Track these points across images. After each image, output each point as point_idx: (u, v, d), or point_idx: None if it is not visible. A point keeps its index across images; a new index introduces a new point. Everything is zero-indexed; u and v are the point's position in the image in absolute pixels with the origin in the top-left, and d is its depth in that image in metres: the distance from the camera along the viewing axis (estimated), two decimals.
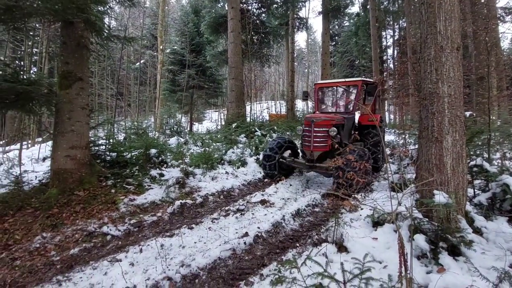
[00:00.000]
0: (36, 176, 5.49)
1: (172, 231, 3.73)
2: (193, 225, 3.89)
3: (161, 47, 17.71)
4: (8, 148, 9.76)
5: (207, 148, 7.93)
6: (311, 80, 40.46)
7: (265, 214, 4.30)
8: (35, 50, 11.05)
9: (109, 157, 5.74)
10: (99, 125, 6.28)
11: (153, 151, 6.28)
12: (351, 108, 6.69)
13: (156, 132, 10.90)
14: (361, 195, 5.11)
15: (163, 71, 17.08)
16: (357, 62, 24.74)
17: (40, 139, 11.47)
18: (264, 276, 2.58)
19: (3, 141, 11.16)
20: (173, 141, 8.99)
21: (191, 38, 15.88)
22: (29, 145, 10.96)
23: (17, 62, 13.12)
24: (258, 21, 14.94)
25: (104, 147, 5.87)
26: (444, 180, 3.17)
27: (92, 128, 5.86)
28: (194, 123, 17.96)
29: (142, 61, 20.29)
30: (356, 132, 5.54)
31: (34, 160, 7.77)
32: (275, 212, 4.38)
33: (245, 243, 3.36)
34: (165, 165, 6.35)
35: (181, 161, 6.46)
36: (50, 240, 3.63)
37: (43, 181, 5.02)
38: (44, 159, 8.07)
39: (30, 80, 4.34)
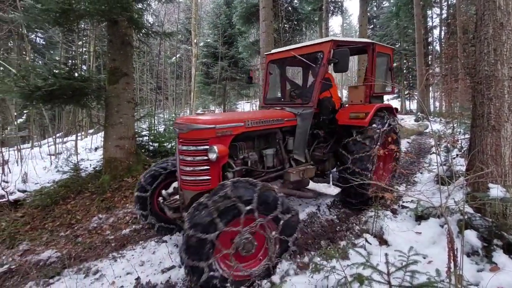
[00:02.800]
0: (90, 164, 6.12)
1: None
2: None
3: (195, 40, 18.18)
4: (65, 139, 10.96)
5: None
6: None
7: (300, 204, 4.31)
8: (84, 49, 12.05)
9: (152, 147, 6.17)
10: (142, 117, 6.73)
11: None
12: (312, 96, 3.52)
13: None
14: (405, 186, 4.85)
15: (197, 64, 17.60)
16: (397, 46, 22.98)
17: (91, 130, 12.67)
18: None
19: (61, 133, 12.56)
20: None
21: (223, 30, 16.04)
22: (83, 137, 12.17)
23: (69, 61, 14.41)
24: (290, 8, 14.54)
25: (147, 138, 6.30)
26: (501, 172, 2.88)
27: (136, 121, 6.32)
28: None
29: (177, 55, 21.08)
30: (320, 143, 3.91)
31: (87, 150, 8.63)
32: (310, 203, 4.36)
33: None
34: None
35: None
36: (105, 221, 4.06)
37: (97, 168, 5.57)
38: (96, 149, 8.92)
39: (83, 77, 4.80)
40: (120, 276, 2.70)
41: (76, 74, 5.26)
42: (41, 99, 4.25)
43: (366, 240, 2.89)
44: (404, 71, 23.16)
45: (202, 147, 2.52)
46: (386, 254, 1.65)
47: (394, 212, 3.59)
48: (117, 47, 5.18)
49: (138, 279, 2.61)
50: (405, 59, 23.00)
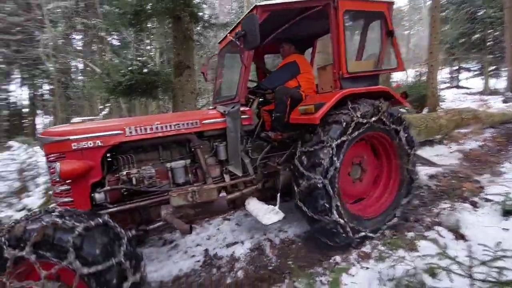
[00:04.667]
0: None
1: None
2: None
3: None
4: None
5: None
6: (413, 43, 34.20)
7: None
8: (151, 46, 13.33)
9: None
10: (202, 107, 7.22)
11: None
12: (237, 88, 2.79)
13: None
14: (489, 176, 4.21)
15: None
16: (480, 14, 19.31)
17: None
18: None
19: None
20: None
21: None
22: None
23: (139, 58, 16.07)
24: None
25: None
26: None
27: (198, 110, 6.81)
28: None
29: None
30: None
31: None
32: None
33: None
34: None
35: None
36: None
37: None
38: None
39: (154, 71, 5.37)
40: (191, 247, 3.05)
41: (146, 70, 5.90)
42: (122, 92, 4.93)
43: (439, 233, 2.65)
44: (489, 42, 19.45)
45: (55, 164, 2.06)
46: (469, 245, 1.51)
47: (474, 205, 3.18)
48: (180, 42, 5.61)
49: (206, 250, 2.91)
50: (491, 28, 19.23)
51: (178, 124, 2.52)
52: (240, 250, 2.85)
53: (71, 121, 2.59)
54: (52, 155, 2.15)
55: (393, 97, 2.93)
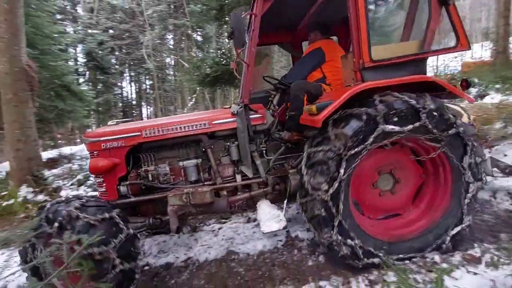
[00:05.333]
0: None
1: None
2: None
3: None
4: None
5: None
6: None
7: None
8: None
9: None
10: None
11: None
12: (243, 88, 2.72)
13: None
14: None
15: None
16: None
17: None
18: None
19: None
20: None
21: None
22: None
23: (218, 51, 17.28)
24: None
25: None
26: None
27: None
28: None
29: None
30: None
31: None
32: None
33: None
34: None
35: None
36: None
37: None
38: None
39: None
40: None
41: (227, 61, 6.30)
42: (209, 83, 5.44)
43: None
44: None
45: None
46: None
47: None
48: None
49: (288, 231, 3.03)
50: None
51: (188, 126, 2.61)
52: None
53: (108, 123, 2.92)
54: (91, 153, 2.60)
55: (444, 89, 2.13)
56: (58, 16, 15.51)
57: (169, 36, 19.37)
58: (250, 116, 2.61)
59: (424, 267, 2.05)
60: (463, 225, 2.18)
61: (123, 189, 2.59)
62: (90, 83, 16.56)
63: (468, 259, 2.04)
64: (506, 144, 4.24)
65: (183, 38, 17.24)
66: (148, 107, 24.31)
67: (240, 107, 2.54)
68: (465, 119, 3.50)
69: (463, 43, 2.24)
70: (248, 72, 2.59)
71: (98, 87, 17.03)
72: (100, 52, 15.70)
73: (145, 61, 15.55)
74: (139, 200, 2.59)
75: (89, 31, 16.04)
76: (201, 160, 2.70)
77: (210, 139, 2.69)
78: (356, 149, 1.97)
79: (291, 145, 2.74)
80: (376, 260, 2.07)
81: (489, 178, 3.08)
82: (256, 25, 2.45)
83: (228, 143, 2.70)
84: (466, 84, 2.41)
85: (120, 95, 22.84)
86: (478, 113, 3.84)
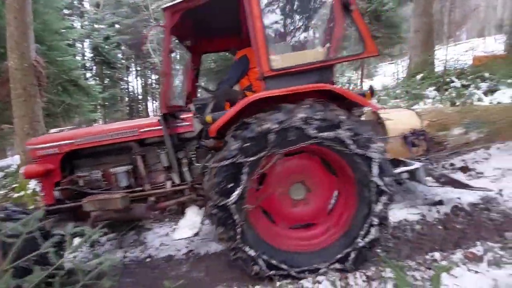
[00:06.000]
0: None
1: None
2: None
3: None
4: None
5: (383, 106, 7.21)
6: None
7: None
8: None
9: None
10: None
11: None
12: (160, 97, 2.77)
13: None
14: None
15: None
16: None
17: None
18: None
19: None
20: None
21: None
22: None
23: None
24: None
25: None
26: None
27: None
28: (364, 80, 16.55)
29: None
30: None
31: None
32: (485, 185, 3.42)
33: (438, 212, 2.94)
34: None
35: None
36: None
37: None
38: None
39: None
40: None
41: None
42: (213, 78, 5.40)
43: None
44: None
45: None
46: None
47: None
48: None
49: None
50: None
51: (118, 133, 2.68)
52: None
53: (49, 131, 2.97)
54: (32, 159, 2.74)
55: (344, 98, 2.06)
56: (66, 11, 15.59)
57: None
58: (178, 124, 2.66)
59: (424, 264, 2.03)
60: (365, 241, 2.07)
61: (56, 194, 2.69)
62: (97, 78, 16.72)
63: (469, 257, 2.01)
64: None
65: None
66: (154, 101, 24.46)
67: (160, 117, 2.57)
68: (416, 124, 3.38)
69: (370, 49, 2.17)
70: (165, 81, 2.61)
71: (105, 82, 17.16)
72: (106, 47, 15.77)
73: (150, 55, 15.58)
74: (75, 205, 2.63)
75: (96, 26, 16.11)
76: (132, 166, 2.73)
77: (142, 146, 2.75)
78: (251, 158, 1.97)
79: (216, 152, 2.69)
80: (280, 272, 2.07)
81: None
82: (166, 37, 2.49)
83: (159, 150, 2.72)
84: (372, 93, 2.39)
85: (127, 90, 23.02)
86: (434, 118, 3.53)
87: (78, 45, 16.16)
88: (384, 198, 2.02)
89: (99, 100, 11.09)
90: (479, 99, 6.52)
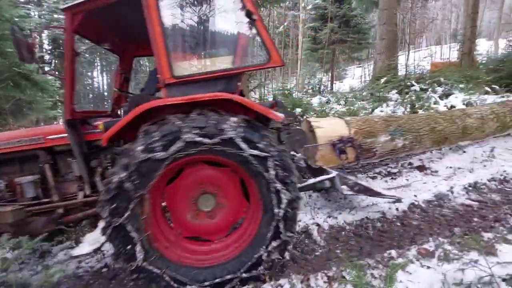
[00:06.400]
0: None
1: None
2: None
3: (302, 4, 17.34)
4: None
5: (350, 107, 7.49)
6: (508, 5, 27.71)
7: (425, 183, 3.69)
8: None
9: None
10: (254, 88, 7.24)
11: (297, 110, 6.63)
12: (64, 103, 2.61)
13: (299, 92, 11.35)
14: None
15: (305, 30, 16.93)
16: None
17: None
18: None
19: None
20: (315, 100, 9.09)
21: None
22: None
23: None
24: None
25: None
26: None
27: (249, 92, 6.85)
28: (334, 82, 17.17)
29: (285, 24, 20.90)
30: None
31: None
32: (438, 182, 3.66)
33: (397, 209, 3.08)
34: None
35: None
36: None
37: None
38: None
39: None
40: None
41: None
42: None
43: None
44: None
45: None
46: None
47: None
48: None
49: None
50: None
51: (21, 141, 2.47)
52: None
53: None
54: None
55: (249, 109, 1.99)
56: None
57: None
58: (90, 131, 2.48)
59: (382, 262, 2.09)
60: (273, 246, 2.01)
61: None
62: (56, 72, 15.45)
63: (422, 253, 2.11)
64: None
65: None
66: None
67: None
68: (344, 131, 3.55)
69: (274, 59, 2.15)
70: (67, 86, 2.40)
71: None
72: None
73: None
74: None
75: (55, 16, 14.88)
76: (38, 176, 2.51)
77: (50, 154, 2.53)
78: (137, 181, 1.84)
79: None
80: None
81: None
82: (67, 40, 2.30)
83: (70, 159, 2.51)
84: (276, 103, 2.48)
85: (90, 86, 21.61)
86: (362, 126, 3.67)
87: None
88: (285, 200, 1.96)
89: (57, 96, 10.21)
90: (435, 102, 7.03)
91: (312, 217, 3.04)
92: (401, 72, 10.00)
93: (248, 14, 2.05)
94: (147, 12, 1.99)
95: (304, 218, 3.03)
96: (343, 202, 3.37)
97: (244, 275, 1.99)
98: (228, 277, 1.98)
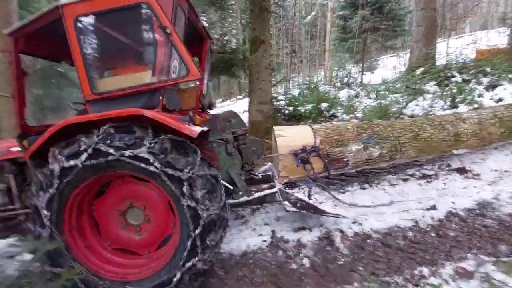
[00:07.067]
0: None
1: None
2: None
3: None
4: (221, 104, 13.49)
5: (382, 101, 7.01)
6: None
7: (465, 188, 3.33)
8: (234, 24, 13.65)
9: (287, 111, 6.46)
10: (278, 82, 7.08)
11: (324, 105, 6.36)
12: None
13: (327, 86, 10.92)
14: None
15: (333, 19, 16.17)
16: None
17: (241, 96, 14.91)
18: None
19: (221, 99, 15.54)
20: (343, 94, 8.67)
21: None
22: (234, 102, 14.56)
23: (223, 37, 16.91)
24: None
25: (283, 102, 6.62)
26: None
27: (273, 86, 6.70)
28: (365, 73, 16.22)
29: (313, 13, 20.12)
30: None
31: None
32: (481, 187, 3.29)
33: (432, 218, 2.81)
34: (335, 119, 6.32)
35: (352, 115, 6.15)
36: None
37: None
38: (244, 112, 10.45)
39: (232, 49, 5.45)
40: (260, 225, 3.10)
41: (226, 49, 6.05)
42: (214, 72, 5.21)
43: None
44: None
45: None
46: None
47: None
48: (256, 15, 5.45)
49: (273, 232, 2.91)
50: None
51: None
52: (308, 237, 2.73)
53: None
54: None
55: (164, 125, 1.98)
56: None
57: None
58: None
59: (411, 280, 1.90)
60: (189, 263, 1.97)
61: None
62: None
63: (460, 273, 1.88)
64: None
65: None
66: None
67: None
68: (309, 140, 3.22)
69: (192, 72, 2.14)
70: (17, 102, 2.40)
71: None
72: None
73: None
74: None
75: None
76: (4, 185, 2.67)
77: (15, 165, 2.66)
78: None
79: None
80: None
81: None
82: (13, 62, 2.32)
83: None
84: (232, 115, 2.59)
85: (62, 99, 22.49)
86: (329, 135, 3.31)
87: None
88: (202, 219, 1.93)
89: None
90: (480, 95, 6.32)
91: (335, 221, 2.89)
92: (440, 61, 9.14)
93: (163, 28, 2.07)
94: (66, 31, 2.09)
95: (326, 223, 2.88)
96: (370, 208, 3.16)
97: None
98: None
